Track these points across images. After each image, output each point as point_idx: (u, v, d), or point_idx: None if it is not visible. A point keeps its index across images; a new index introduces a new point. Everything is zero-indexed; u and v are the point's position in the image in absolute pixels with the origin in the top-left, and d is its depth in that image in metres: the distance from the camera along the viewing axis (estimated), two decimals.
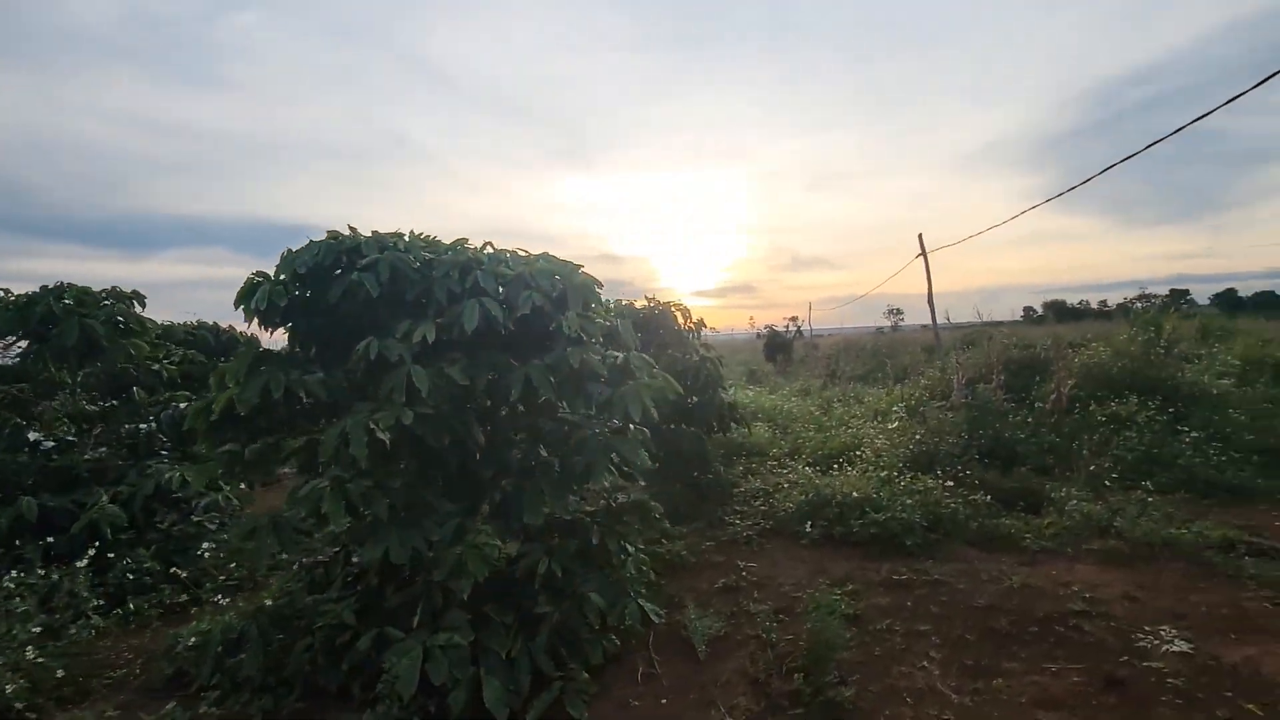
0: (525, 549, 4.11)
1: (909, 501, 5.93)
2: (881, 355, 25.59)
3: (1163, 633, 3.90)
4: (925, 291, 14.17)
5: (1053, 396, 8.84)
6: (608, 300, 7.24)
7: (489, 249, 4.23)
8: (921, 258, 13.80)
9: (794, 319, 35.45)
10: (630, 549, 4.60)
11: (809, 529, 5.87)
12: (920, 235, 13.62)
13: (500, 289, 3.91)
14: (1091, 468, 6.93)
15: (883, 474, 6.85)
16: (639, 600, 4.06)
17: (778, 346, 31.08)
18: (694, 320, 7.59)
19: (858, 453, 8.19)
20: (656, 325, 7.31)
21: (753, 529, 6.15)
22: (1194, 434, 7.87)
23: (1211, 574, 4.72)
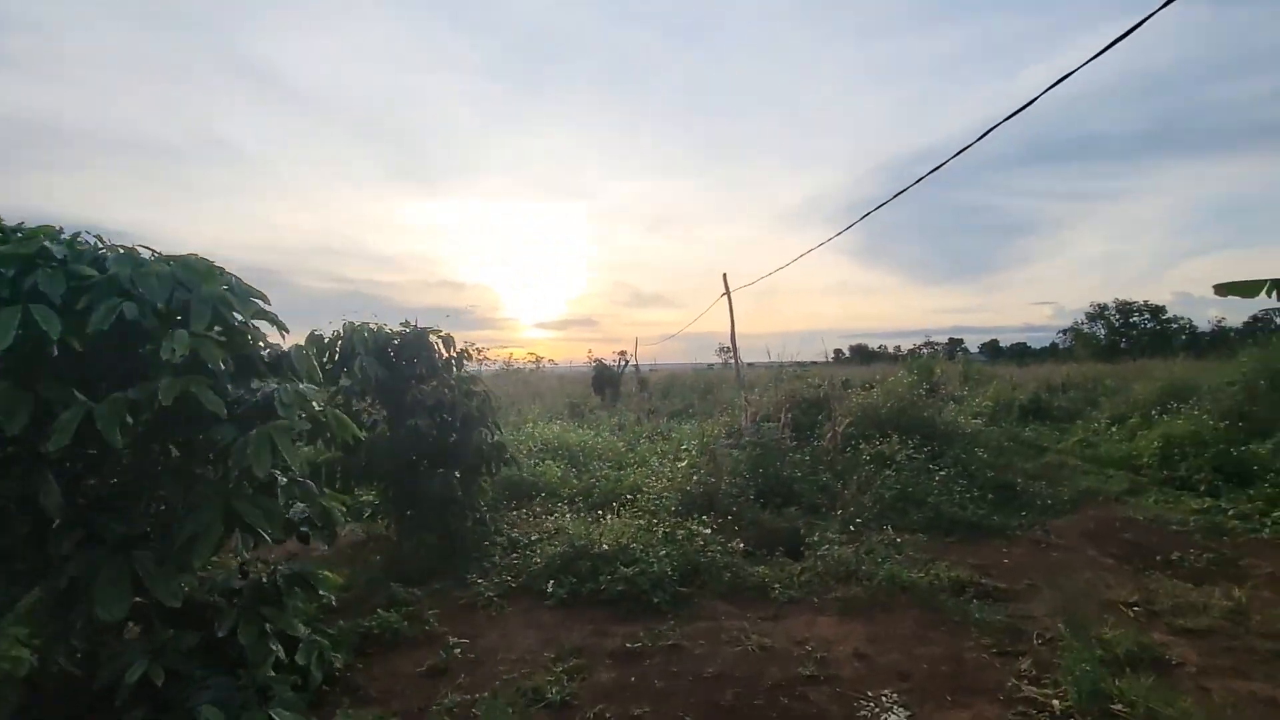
0: (121, 649, 3.02)
1: (665, 552, 5.47)
2: (701, 391, 26.32)
3: (884, 698, 3.63)
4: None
5: (829, 435, 9.03)
6: (354, 323, 6.27)
7: (93, 240, 3.16)
8: (726, 297, 14.09)
9: (623, 353, 35.49)
10: (302, 632, 3.64)
11: (553, 588, 5.19)
12: (725, 275, 13.93)
13: (84, 295, 2.86)
14: (852, 508, 6.98)
15: (642, 521, 6.39)
16: (276, 711, 3.10)
17: (605, 380, 30.89)
18: (456, 349, 6.76)
19: (638, 495, 7.76)
20: (410, 354, 6.39)
21: (496, 589, 5.36)
22: (944, 471, 8.32)
23: (940, 621, 4.65)
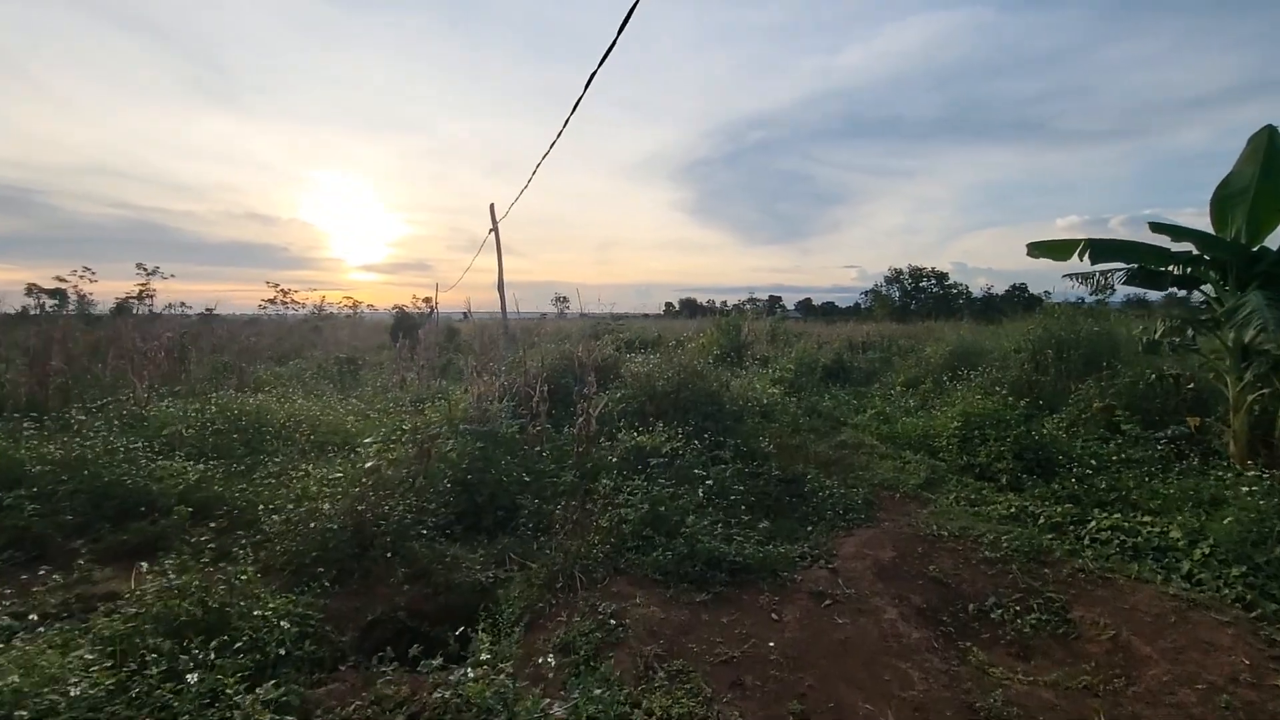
0: None
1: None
2: (501, 349, 23.36)
3: None
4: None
5: (580, 420, 6.64)
6: None
7: None
8: (494, 233, 11.22)
9: (427, 300, 31.44)
10: None
11: None
12: (491, 206, 11.04)
13: None
14: (575, 543, 4.59)
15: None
16: None
17: (404, 329, 27.01)
18: None
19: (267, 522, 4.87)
20: None
21: None
22: (719, 468, 6.28)
23: None
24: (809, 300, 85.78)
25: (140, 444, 6.87)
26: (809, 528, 5.64)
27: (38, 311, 27.38)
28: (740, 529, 5.13)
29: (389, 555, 4.39)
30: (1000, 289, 62.24)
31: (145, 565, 3.83)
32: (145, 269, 33.86)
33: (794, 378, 13.20)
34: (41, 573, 4.73)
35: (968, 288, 64.30)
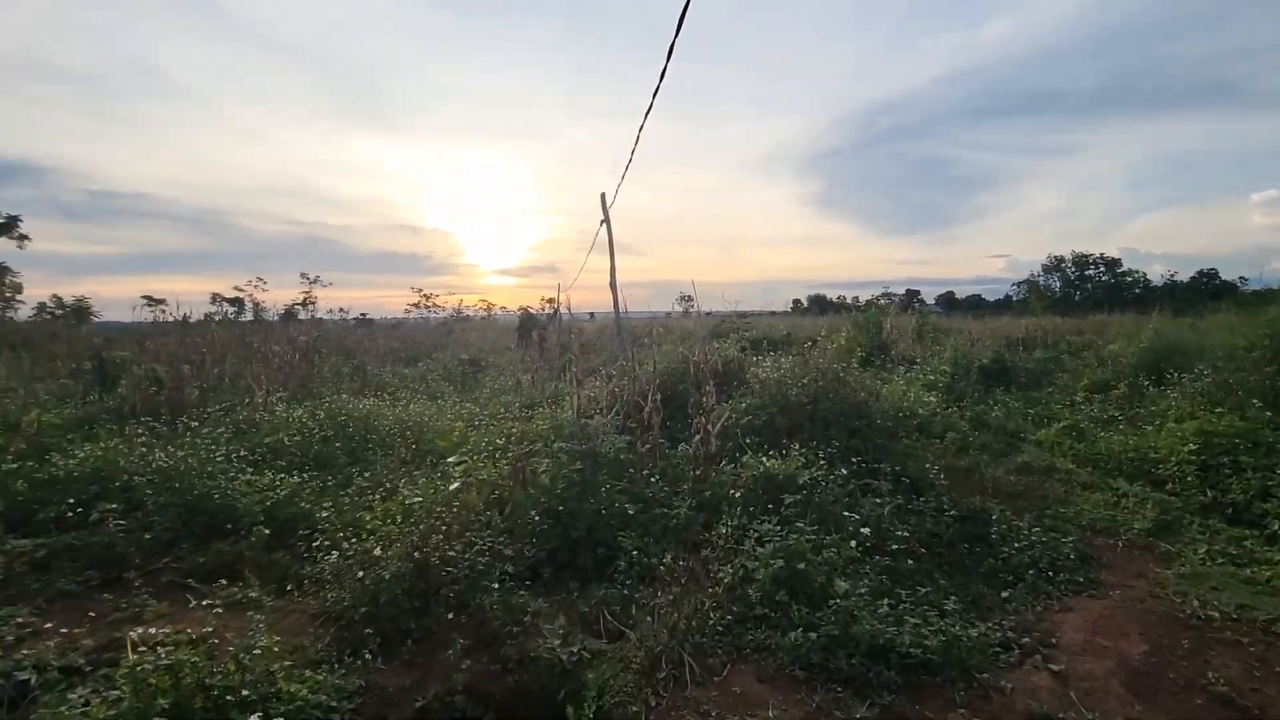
0: None
1: None
2: (626, 343, 22.66)
3: None
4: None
5: (697, 438, 5.51)
6: None
7: None
8: (605, 224, 10.35)
9: (551, 300, 31.56)
10: None
11: None
12: (603, 195, 10.18)
13: None
14: (681, 613, 3.47)
15: None
16: None
17: (528, 330, 27.22)
18: None
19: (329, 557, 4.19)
20: None
21: None
22: (875, 502, 4.92)
23: None
24: (951, 294, 78.89)
25: (243, 452, 6.60)
26: (1004, 592, 4.16)
27: (220, 317, 30.34)
28: (912, 599, 3.78)
29: (452, 615, 3.51)
30: (1184, 275, 53.85)
31: (135, 633, 3.12)
32: (308, 278, 36.92)
33: (950, 382, 11.29)
34: (107, 597, 4.38)
35: (1144, 275, 56.15)
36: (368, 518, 5.06)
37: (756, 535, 4.16)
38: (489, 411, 10.66)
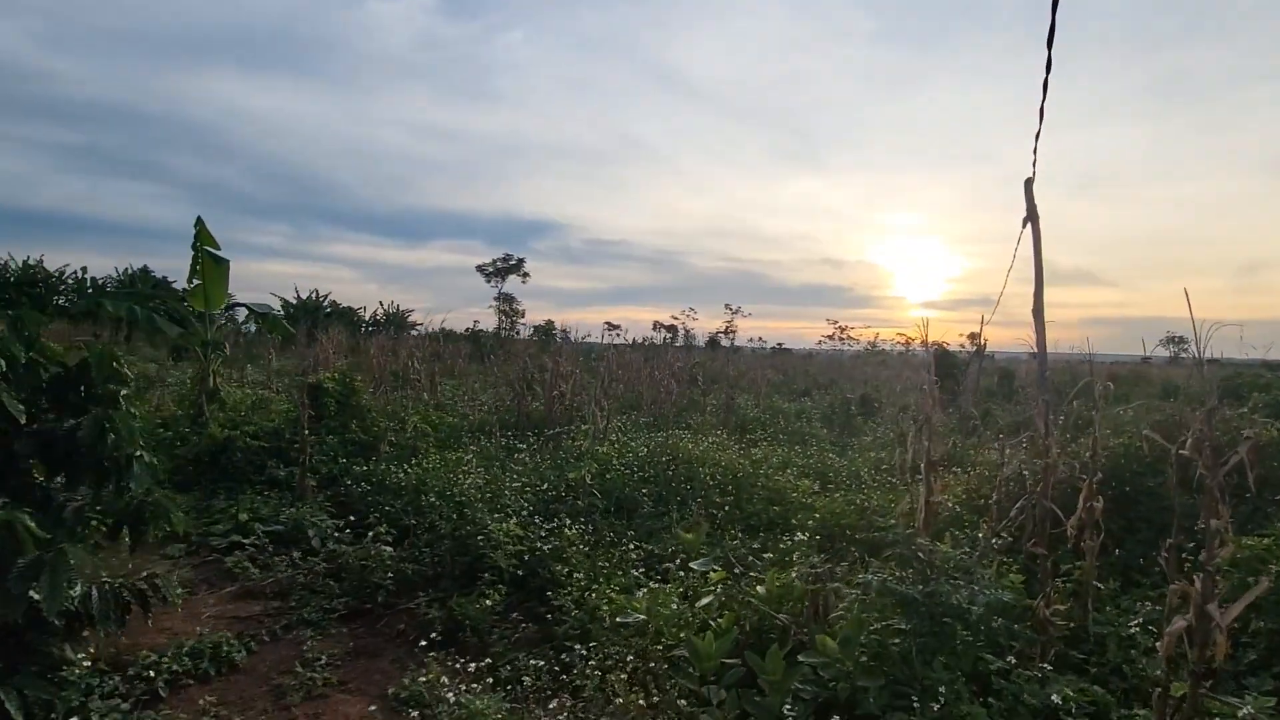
0: None
1: None
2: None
3: None
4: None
5: (1177, 592, 2.55)
6: None
7: None
8: (1030, 221, 7.03)
9: (972, 337, 26.56)
10: None
11: None
12: (1028, 181, 6.95)
13: None
14: None
15: None
16: None
17: (943, 368, 23.20)
18: None
19: None
20: None
21: None
22: None
23: None
24: None
25: (542, 484, 6.06)
26: None
27: (660, 342, 34.29)
28: None
29: None
30: None
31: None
32: (730, 308, 39.59)
33: None
34: (309, 637, 3.97)
35: None
36: (607, 603, 3.68)
37: None
38: (854, 468, 8.47)
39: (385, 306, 28.39)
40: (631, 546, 4.64)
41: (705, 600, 3.23)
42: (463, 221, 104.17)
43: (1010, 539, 3.93)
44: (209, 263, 7.93)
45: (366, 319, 28.85)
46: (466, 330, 32.36)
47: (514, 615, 4.11)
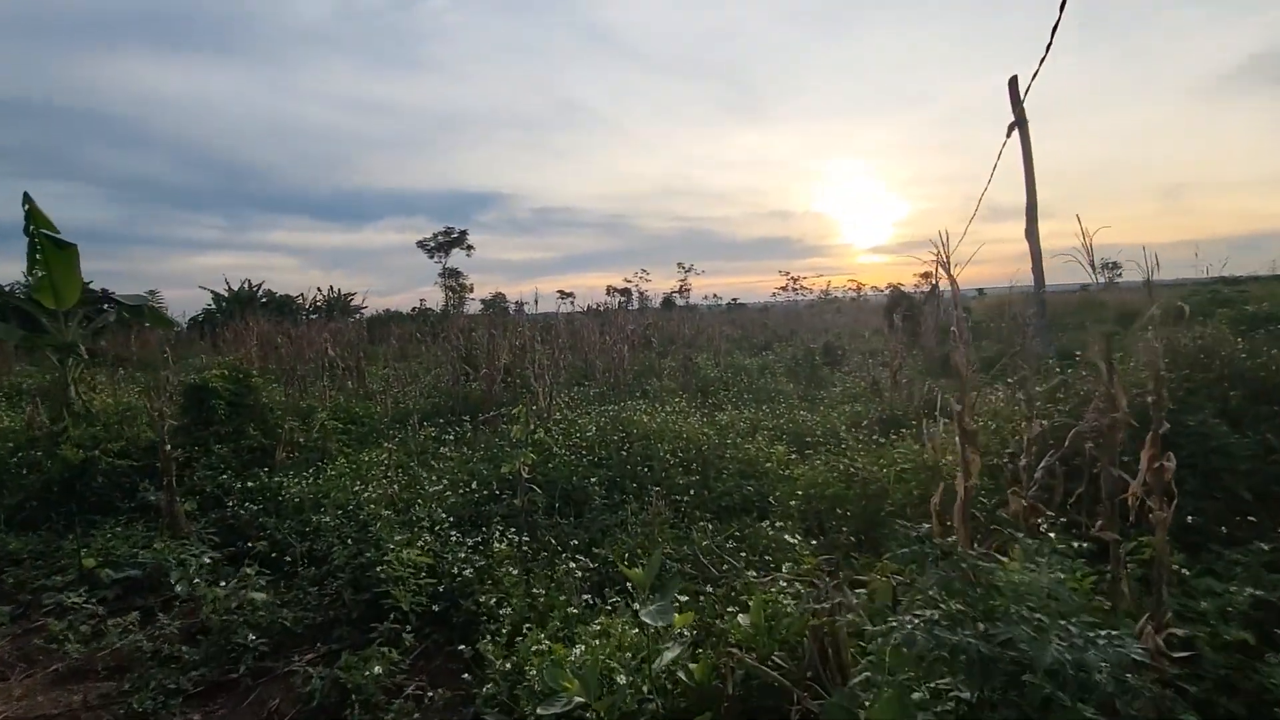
0: None
1: None
2: (1049, 327, 16.33)
3: None
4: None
5: None
6: None
7: None
8: (1017, 127, 6.03)
9: (926, 275, 26.17)
10: None
11: None
12: (1014, 79, 5.93)
13: None
14: None
15: None
16: None
17: (900, 310, 22.67)
18: None
19: None
20: None
21: None
22: None
23: None
24: None
25: (471, 482, 5.02)
26: None
27: (613, 307, 33.07)
28: None
29: None
30: None
31: None
32: (684, 267, 38.57)
33: None
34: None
35: None
36: (538, 657, 2.69)
37: None
38: (829, 425, 7.62)
39: (325, 292, 26.48)
40: (575, 562, 3.63)
41: (669, 655, 2.26)
42: (406, 199, 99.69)
43: (1058, 520, 3.05)
44: (50, 249, 6.48)
45: (307, 306, 26.96)
46: (413, 310, 30.66)
47: (420, 678, 3.09)
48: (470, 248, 35.30)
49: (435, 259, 35.53)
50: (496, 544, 3.95)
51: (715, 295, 34.04)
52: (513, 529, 4.31)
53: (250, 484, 5.15)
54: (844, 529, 4.32)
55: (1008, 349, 13.85)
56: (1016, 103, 5.95)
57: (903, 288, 26.27)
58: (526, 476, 4.96)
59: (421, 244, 35.64)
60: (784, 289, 41.29)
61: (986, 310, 25.54)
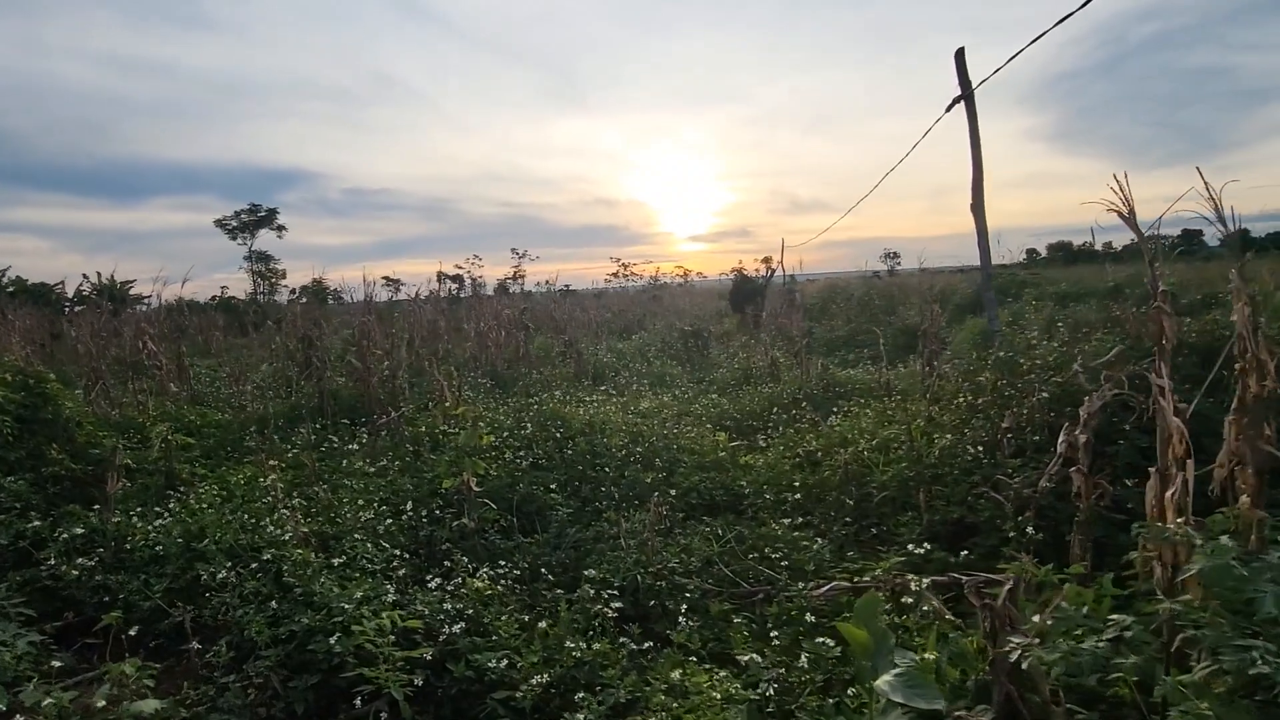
0: None
1: None
2: (875, 309, 17.93)
3: None
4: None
5: None
6: None
7: None
8: (963, 99, 6.16)
9: (767, 260, 27.61)
10: None
11: None
12: (960, 51, 6.02)
13: None
14: None
15: None
16: None
17: (745, 295, 23.56)
18: None
19: None
20: None
21: None
22: None
23: None
24: (1245, 231, 59.75)
25: (404, 503, 4.01)
26: None
27: (446, 294, 30.78)
28: None
29: None
30: None
31: None
32: (517, 253, 37.19)
33: None
34: None
35: None
36: None
37: None
38: (741, 407, 7.40)
39: (94, 280, 21.48)
40: (599, 598, 2.90)
41: None
42: (188, 173, 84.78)
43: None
44: None
45: (70, 297, 21.73)
46: (213, 299, 26.16)
47: None
48: (282, 228, 30.87)
49: (239, 241, 30.64)
50: (473, 581, 3.09)
51: (548, 281, 33.28)
52: (466, 557, 3.45)
53: (77, 529, 3.66)
54: (845, 519, 4.04)
55: (857, 328, 14.98)
56: (964, 76, 6.06)
57: (745, 272, 27.37)
58: (476, 489, 4.07)
59: (221, 223, 30.47)
60: (615, 275, 41.61)
61: (817, 292, 27.68)
